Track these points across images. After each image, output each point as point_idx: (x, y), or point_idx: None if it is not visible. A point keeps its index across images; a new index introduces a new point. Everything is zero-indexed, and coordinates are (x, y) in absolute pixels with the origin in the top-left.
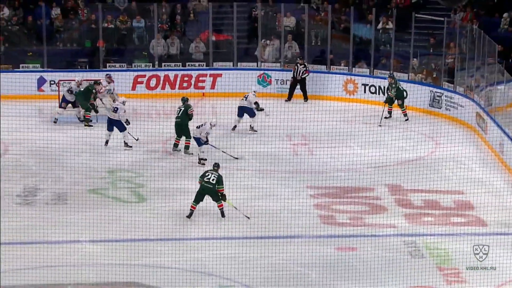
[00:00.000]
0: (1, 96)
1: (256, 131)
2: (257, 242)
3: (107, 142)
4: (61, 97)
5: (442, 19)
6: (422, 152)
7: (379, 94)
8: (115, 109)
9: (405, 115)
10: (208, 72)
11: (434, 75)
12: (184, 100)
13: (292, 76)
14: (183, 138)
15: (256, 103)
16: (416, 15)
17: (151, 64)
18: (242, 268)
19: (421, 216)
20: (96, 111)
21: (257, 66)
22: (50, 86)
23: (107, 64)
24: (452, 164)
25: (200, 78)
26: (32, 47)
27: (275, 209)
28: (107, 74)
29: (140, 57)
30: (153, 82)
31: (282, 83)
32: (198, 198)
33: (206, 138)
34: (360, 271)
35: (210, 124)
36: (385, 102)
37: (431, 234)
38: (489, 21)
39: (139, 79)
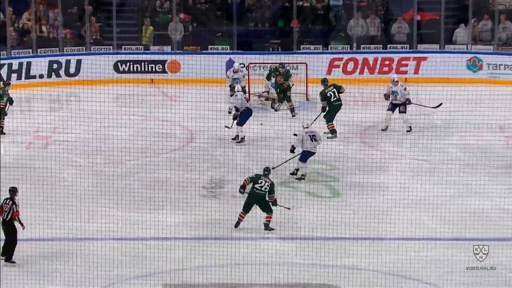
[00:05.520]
0: (189, 79)
1: None
2: (463, 244)
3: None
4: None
5: None
6: None
7: None
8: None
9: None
10: (412, 55)
11: None
12: (327, 84)
13: None
14: None
15: None
16: None
17: (348, 46)
18: (445, 272)
19: None
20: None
21: (467, 49)
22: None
23: (301, 46)
24: None
25: (402, 62)
26: (221, 27)
27: (485, 208)
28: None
29: (336, 38)
30: (350, 66)
31: (494, 67)
32: (248, 207)
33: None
34: None
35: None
36: None
37: None
38: None
39: (335, 63)
